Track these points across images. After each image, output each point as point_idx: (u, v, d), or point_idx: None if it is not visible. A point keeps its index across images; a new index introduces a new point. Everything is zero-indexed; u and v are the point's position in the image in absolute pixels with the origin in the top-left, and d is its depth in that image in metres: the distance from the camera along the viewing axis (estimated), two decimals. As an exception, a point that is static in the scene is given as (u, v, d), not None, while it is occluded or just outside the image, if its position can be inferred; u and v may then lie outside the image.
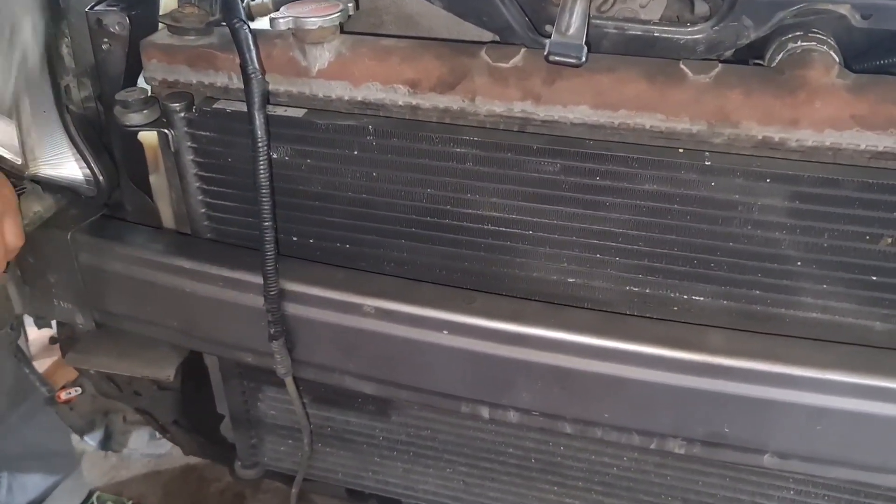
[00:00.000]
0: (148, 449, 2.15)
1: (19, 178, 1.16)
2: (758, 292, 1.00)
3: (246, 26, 0.96)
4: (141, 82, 1.18)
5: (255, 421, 1.45)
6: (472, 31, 1.11)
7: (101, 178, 1.13)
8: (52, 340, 1.56)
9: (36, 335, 1.70)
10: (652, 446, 1.06)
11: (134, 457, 2.13)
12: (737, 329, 0.99)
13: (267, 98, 1.01)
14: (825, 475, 1.03)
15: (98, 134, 1.18)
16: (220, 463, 1.71)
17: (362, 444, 1.39)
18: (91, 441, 2.03)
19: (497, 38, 1.08)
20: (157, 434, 1.88)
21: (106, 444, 2.06)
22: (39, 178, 1.16)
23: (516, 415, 1.09)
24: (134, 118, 1.09)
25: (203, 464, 2.22)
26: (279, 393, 1.36)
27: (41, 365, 2.30)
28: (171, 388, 1.48)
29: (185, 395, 1.51)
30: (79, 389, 1.68)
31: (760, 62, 1.01)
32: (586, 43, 0.92)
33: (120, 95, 1.08)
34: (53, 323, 1.48)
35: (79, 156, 1.13)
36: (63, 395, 1.68)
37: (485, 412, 1.11)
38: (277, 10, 1.21)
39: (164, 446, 2.12)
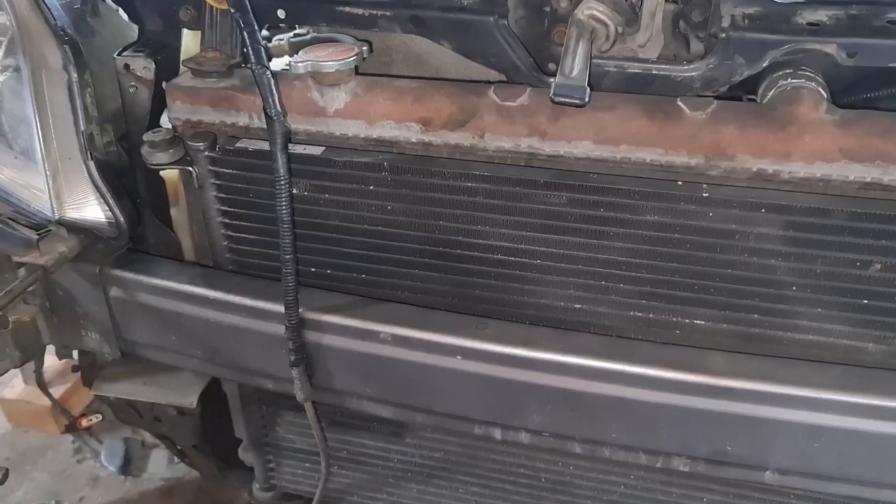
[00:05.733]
0: (166, 473, 2.19)
1: (46, 221, 1.22)
2: (756, 316, 1.05)
3: (268, 72, 1.01)
4: (164, 122, 1.24)
5: (272, 445, 1.49)
6: (478, 70, 1.16)
7: (122, 220, 1.19)
8: (74, 369, 1.60)
9: (50, 362, 1.74)
10: (658, 465, 1.10)
11: (152, 480, 2.17)
12: (736, 352, 1.04)
13: (289, 139, 1.06)
14: (824, 490, 1.07)
15: (119, 177, 1.24)
16: (238, 485, 1.74)
17: (377, 465, 1.43)
18: (110, 466, 2.07)
19: (503, 77, 1.14)
20: (175, 458, 1.92)
21: (125, 468, 2.11)
22: (65, 220, 1.22)
23: (527, 436, 1.14)
24: (160, 157, 1.15)
25: (216, 486, 2.25)
26: (297, 417, 1.41)
27: (56, 391, 2.35)
28: (191, 414, 1.52)
29: (205, 419, 1.55)
30: (99, 416, 1.72)
31: (753, 97, 1.07)
32: (589, 84, 0.98)
33: (147, 136, 1.14)
34: (75, 352, 1.53)
35: (101, 200, 1.19)
36: (84, 422, 1.72)
37: (497, 433, 1.15)
38: (294, 51, 1.28)
39: (182, 470, 2.16)
